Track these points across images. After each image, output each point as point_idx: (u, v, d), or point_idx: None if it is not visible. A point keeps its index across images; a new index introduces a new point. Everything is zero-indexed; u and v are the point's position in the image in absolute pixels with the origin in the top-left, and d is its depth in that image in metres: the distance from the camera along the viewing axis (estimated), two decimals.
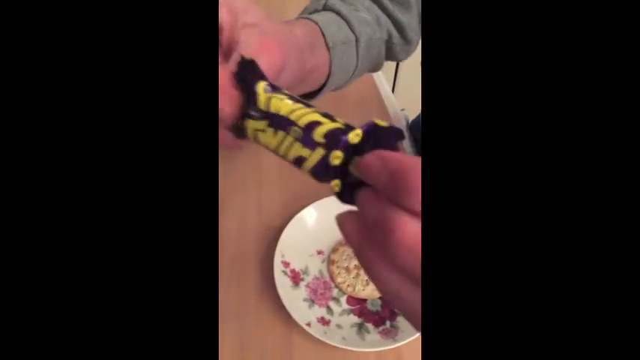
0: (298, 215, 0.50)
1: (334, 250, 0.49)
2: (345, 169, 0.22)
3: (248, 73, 0.25)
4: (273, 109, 0.23)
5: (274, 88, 0.25)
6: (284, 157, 0.24)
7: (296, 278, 0.46)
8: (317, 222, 0.50)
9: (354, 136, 0.21)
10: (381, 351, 0.41)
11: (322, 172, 0.22)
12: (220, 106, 0.25)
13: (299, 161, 0.23)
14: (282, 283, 0.45)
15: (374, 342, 0.41)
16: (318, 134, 0.22)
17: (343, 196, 0.22)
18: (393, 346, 0.40)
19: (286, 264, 0.47)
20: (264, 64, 0.27)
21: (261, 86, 0.25)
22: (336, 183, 0.22)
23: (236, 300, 0.45)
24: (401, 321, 0.43)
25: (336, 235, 0.50)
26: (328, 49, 0.37)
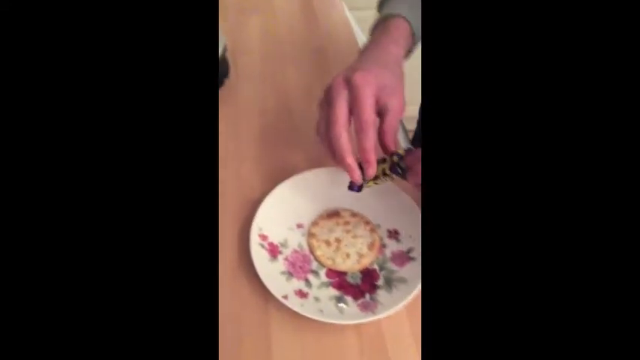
0: (276, 189, 0.48)
1: (314, 223, 0.48)
2: None
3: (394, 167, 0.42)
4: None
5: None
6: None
7: (274, 251, 0.45)
8: (297, 196, 0.49)
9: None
10: (359, 324, 0.40)
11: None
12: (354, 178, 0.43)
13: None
14: (260, 256, 0.43)
15: (352, 315, 0.40)
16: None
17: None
18: (371, 319, 0.39)
19: (264, 237, 0.45)
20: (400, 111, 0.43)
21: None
22: None
23: None
24: (380, 294, 0.42)
25: (316, 208, 0.49)
26: (413, 33, 0.48)
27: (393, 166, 0.42)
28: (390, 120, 0.42)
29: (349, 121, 0.41)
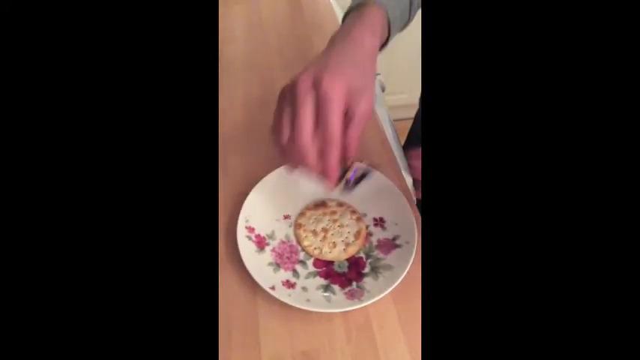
0: (262, 181, 0.48)
1: (301, 214, 0.48)
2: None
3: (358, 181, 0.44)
4: None
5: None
6: None
7: (261, 243, 0.45)
8: (283, 187, 0.49)
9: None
10: (347, 312, 0.41)
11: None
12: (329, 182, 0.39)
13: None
14: (247, 248, 0.43)
15: (339, 303, 0.41)
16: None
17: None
18: (358, 306, 0.39)
19: (251, 229, 0.45)
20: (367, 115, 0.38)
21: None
22: None
23: None
24: (367, 282, 0.43)
25: (303, 199, 0.49)
26: (389, 23, 0.44)
27: (346, 183, 0.43)
28: (355, 129, 0.37)
29: (315, 128, 0.36)
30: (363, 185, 0.49)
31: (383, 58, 1.43)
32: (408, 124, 0.87)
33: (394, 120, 0.74)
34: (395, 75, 1.42)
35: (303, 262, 0.45)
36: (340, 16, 0.79)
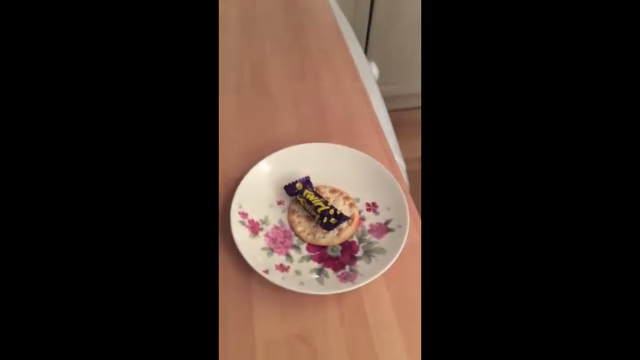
0: (255, 167, 0.48)
1: (294, 200, 0.49)
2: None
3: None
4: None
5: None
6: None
7: (255, 228, 0.45)
8: (277, 173, 0.49)
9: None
10: (340, 294, 0.41)
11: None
12: None
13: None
14: (240, 233, 0.44)
15: (333, 286, 0.41)
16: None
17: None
18: (350, 289, 0.40)
19: (244, 214, 0.46)
20: None
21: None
22: None
23: None
24: (360, 265, 0.43)
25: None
26: None
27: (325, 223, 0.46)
28: None
29: None
30: (357, 171, 0.49)
31: (378, 47, 1.43)
32: (403, 115, 0.87)
33: (390, 111, 0.74)
34: (390, 66, 1.42)
35: (296, 247, 0.45)
36: (332, 1, 0.78)
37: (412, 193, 0.51)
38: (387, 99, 0.80)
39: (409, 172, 0.66)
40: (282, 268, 0.43)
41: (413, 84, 1.51)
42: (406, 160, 0.66)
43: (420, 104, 1.59)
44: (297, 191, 0.48)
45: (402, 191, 0.47)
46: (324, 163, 0.50)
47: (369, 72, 0.78)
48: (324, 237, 0.46)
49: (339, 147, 0.51)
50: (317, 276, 0.42)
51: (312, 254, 0.45)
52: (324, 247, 0.45)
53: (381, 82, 0.83)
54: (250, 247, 0.43)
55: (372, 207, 0.48)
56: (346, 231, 0.46)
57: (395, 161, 0.54)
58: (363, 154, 0.50)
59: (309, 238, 0.46)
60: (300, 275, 0.42)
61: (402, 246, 0.42)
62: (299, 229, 0.46)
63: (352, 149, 0.51)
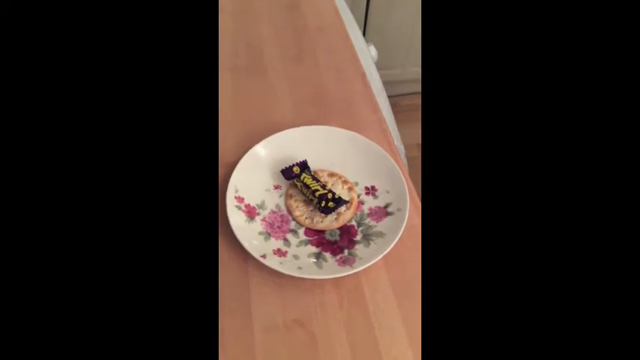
0: (251, 150, 0.47)
1: (292, 184, 0.48)
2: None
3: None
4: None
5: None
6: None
7: (251, 213, 0.45)
8: (273, 157, 0.48)
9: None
10: (338, 279, 0.41)
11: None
12: None
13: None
14: (236, 217, 0.43)
15: (331, 270, 0.40)
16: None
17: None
18: (350, 272, 0.39)
19: (240, 199, 0.45)
20: None
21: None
22: None
23: None
24: (359, 249, 0.42)
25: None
26: None
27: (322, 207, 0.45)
28: None
29: None
30: (357, 155, 0.48)
31: (376, 33, 1.42)
32: (401, 100, 0.86)
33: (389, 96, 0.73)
34: (388, 51, 1.40)
35: (294, 231, 0.44)
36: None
37: (411, 179, 0.50)
38: (384, 84, 0.78)
39: (407, 159, 0.65)
40: (280, 252, 0.42)
41: (411, 69, 1.49)
42: (404, 147, 0.65)
43: (418, 90, 1.57)
44: (294, 175, 0.47)
45: (401, 174, 0.46)
46: (322, 147, 0.49)
47: (367, 55, 0.76)
48: (322, 221, 0.45)
49: (338, 130, 0.50)
50: (315, 260, 0.42)
51: (310, 239, 0.44)
52: (323, 232, 0.45)
53: (379, 68, 0.82)
54: (247, 231, 0.42)
55: (371, 191, 0.47)
56: (345, 215, 0.45)
57: (394, 144, 0.53)
58: (362, 137, 0.49)
59: (307, 222, 0.45)
60: (298, 260, 0.41)
61: (402, 229, 0.41)
62: (297, 213, 0.46)
63: (351, 132, 0.50)
